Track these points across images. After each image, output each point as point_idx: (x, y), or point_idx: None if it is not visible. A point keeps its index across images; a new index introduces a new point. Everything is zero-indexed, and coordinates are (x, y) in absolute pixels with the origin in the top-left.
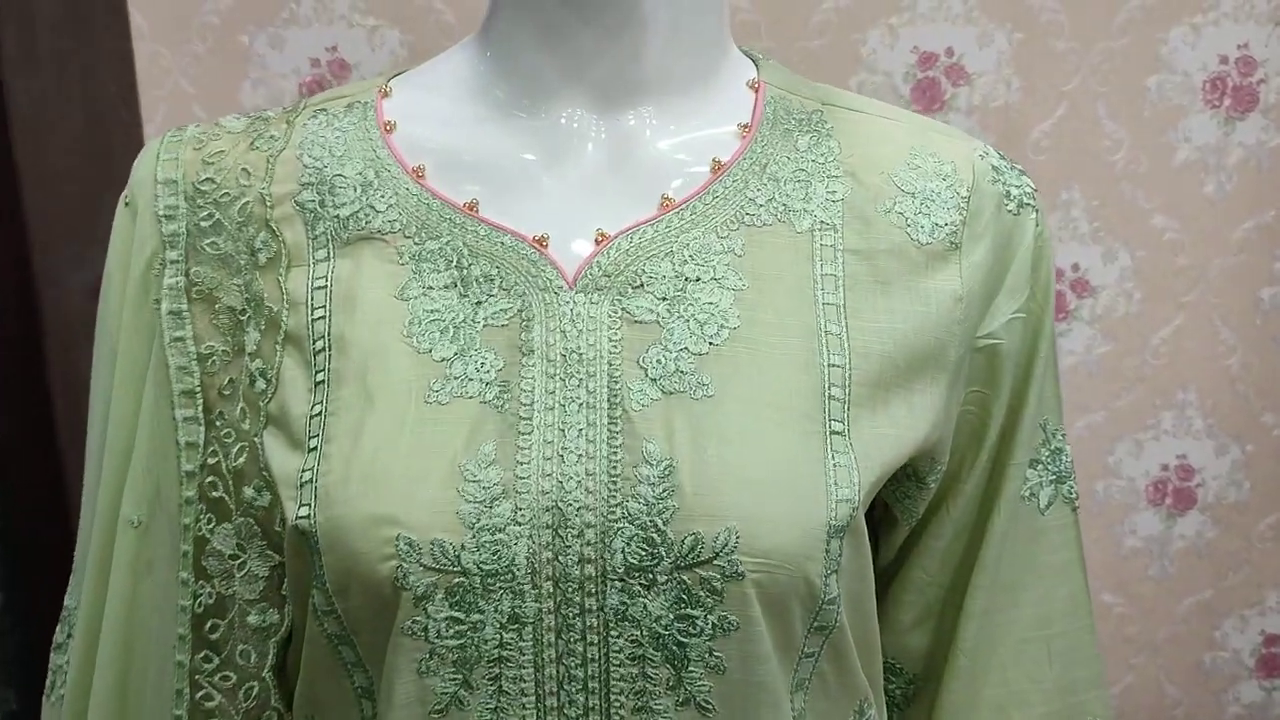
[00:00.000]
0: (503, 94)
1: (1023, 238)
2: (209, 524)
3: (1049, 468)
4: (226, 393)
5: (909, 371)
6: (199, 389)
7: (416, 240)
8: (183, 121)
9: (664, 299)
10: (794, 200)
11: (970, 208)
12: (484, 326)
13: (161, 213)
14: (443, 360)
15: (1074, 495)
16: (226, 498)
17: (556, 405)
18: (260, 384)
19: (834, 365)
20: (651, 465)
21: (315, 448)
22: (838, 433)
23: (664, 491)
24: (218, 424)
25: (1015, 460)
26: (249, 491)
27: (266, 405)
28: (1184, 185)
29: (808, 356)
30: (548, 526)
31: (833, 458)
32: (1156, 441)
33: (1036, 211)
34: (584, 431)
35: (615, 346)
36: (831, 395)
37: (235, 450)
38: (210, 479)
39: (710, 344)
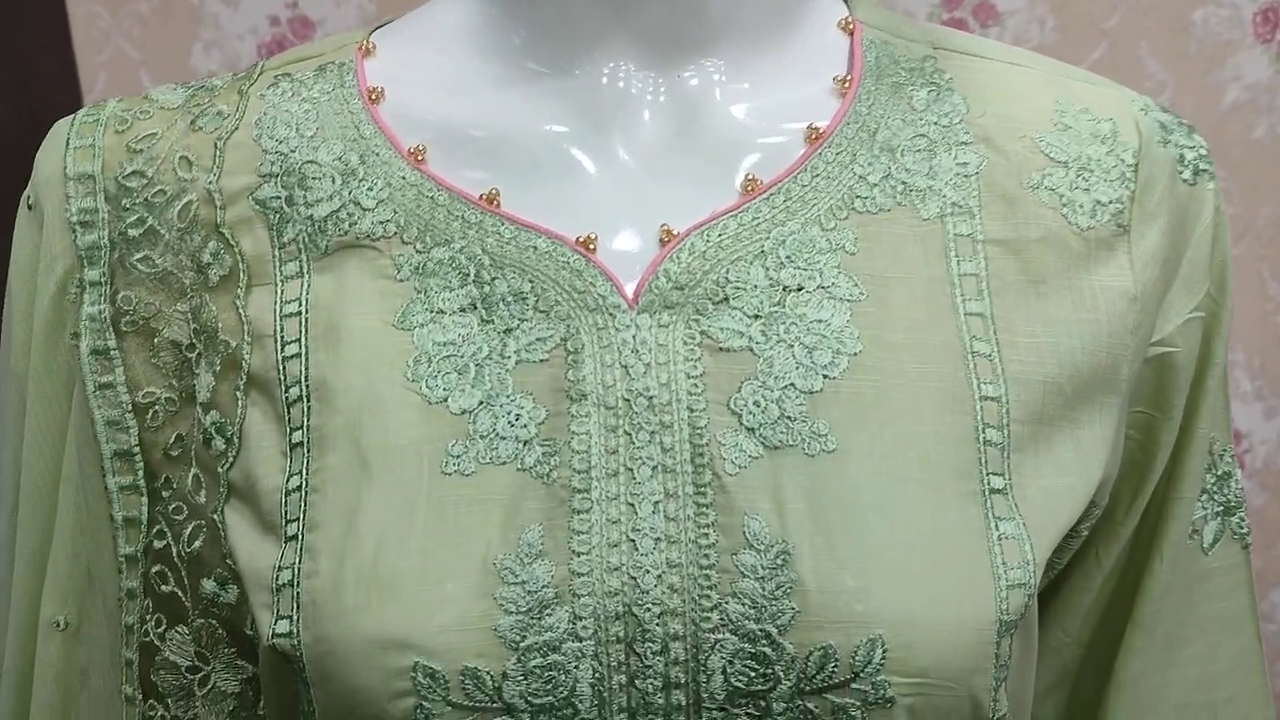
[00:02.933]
0: (523, 45)
1: (1200, 214)
2: (158, 627)
3: (1215, 497)
4: (174, 454)
5: (1076, 400)
6: (138, 449)
7: (419, 247)
8: (127, 91)
9: (758, 317)
10: (916, 176)
11: (1140, 179)
12: (517, 363)
13: (75, 219)
14: (463, 413)
15: (1245, 529)
16: (180, 594)
17: (622, 469)
18: (218, 443)
19: (988, 399)
20: (759, 551)
21: (295, 535)
22: (999, 491)
23: (778, 589)
24: (164, 495)
25: (1183, 495)
26: (209, 585)
27: (227, 472)
28: (1232, 129)
29: (955, 388)
30: (619, 640)
31: (997, 527)
32: None
33: (1214, 179)
34: (661, 505)
35: (696, 385)
36: (988, 440)
37: (189, 531)
38: (158, 568)
39: (825, 378)
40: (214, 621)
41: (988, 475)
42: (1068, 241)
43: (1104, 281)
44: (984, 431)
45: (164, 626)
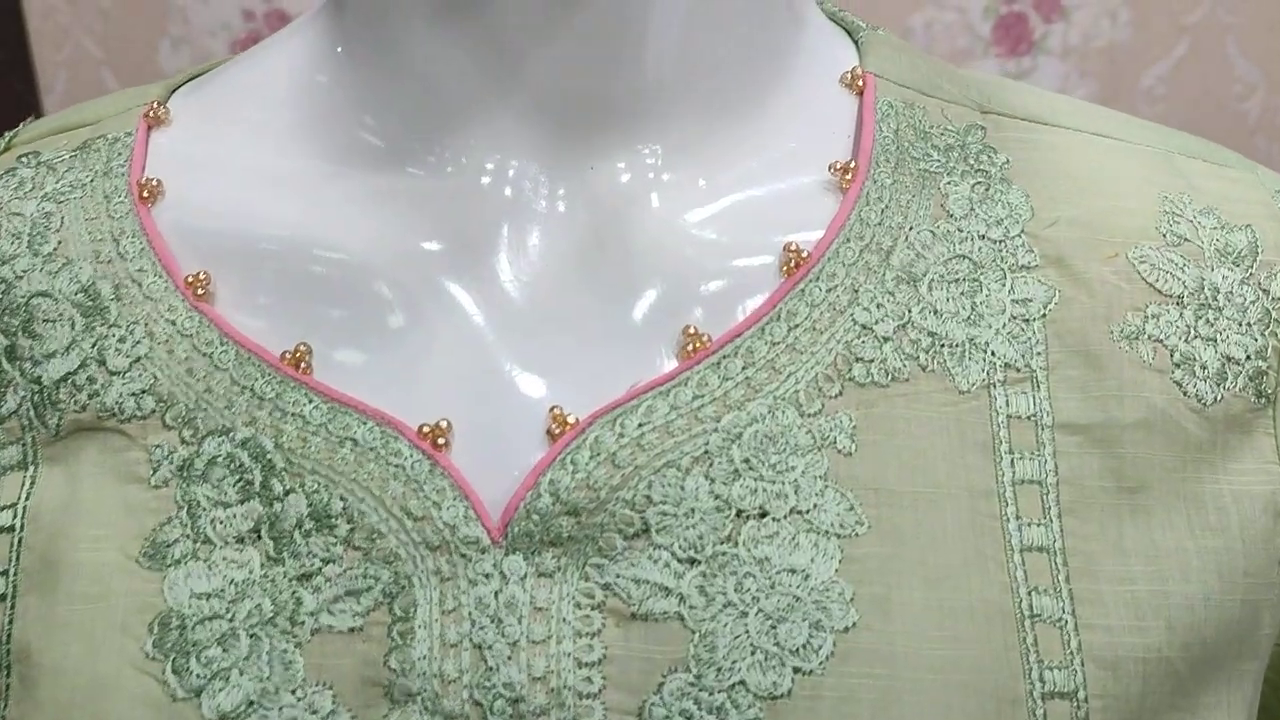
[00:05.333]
0: (371, 127)
1: None
2: None
3: None
4: None
5: (1194, 680)
6: None
7: (186, 435)
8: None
9: (694, 562)
10: (951, 323)
11: None
12: (313, 633)
13: None
14: (221, 718)
15: None
16: None
17: None
18: None
19: (1053, 696)
20: None
21: None
22: None
23: None
24: None
25: None
26: None
27: None
28: None
29: (1000, 680)
30: None
31: None
32: None
33: None
34: None
35: (591, 680)
36: None
37: None
38: None
39: (797, 671)
40: None
41: None
42: (1182, 424)
43: (1237, 485)
44: None
45: None
